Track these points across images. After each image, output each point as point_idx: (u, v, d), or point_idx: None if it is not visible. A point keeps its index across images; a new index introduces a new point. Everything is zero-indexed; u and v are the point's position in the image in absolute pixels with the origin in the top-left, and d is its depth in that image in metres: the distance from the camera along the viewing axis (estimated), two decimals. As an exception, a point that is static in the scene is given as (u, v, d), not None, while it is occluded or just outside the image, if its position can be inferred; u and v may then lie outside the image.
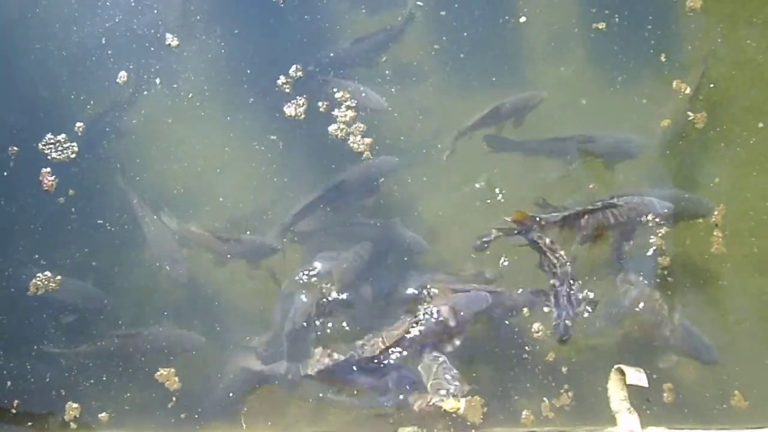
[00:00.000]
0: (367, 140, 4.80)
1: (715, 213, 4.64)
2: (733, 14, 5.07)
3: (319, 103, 4.88)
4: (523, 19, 5.07)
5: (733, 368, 4.44)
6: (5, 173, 4.75)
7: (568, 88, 4.98)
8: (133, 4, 5.06)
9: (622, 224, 4.54)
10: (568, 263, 4.39)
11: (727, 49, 5.00)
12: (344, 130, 4.83)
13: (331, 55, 5.01)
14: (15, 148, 4.77)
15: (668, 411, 4.32)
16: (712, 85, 4.92)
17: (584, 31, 5.08)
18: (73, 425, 4.39)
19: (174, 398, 4.43)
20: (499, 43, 5.08)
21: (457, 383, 4.16)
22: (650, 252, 4.58)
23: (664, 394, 4.34)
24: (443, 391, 4.09)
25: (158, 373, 4.44)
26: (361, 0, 5.17)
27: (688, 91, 4.90)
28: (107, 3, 5.05)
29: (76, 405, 4.41)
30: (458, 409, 4.09)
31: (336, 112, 4.85)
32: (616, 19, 5.04)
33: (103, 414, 4.41)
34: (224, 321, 4.59)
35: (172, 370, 4.44)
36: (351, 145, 4.79)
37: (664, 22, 5.05)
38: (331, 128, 4.83)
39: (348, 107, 4.86)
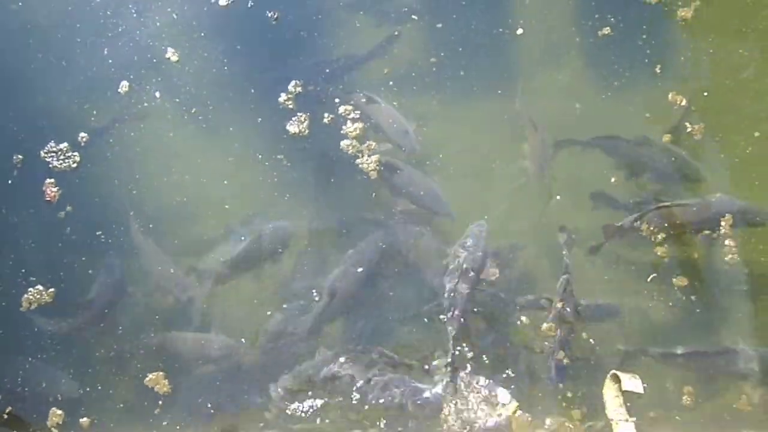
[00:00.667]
0: (375, 157, 4.82)
1: (722, 224, 4.59)
2: (723, 23, 5.12)
3: (326, 114, 4.91)
4: (520, 31, 5.14)
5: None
6: (9, 181, 4.78)
7: (564, 96, 5.02)
8: (134, 15, 5.16)
9: (698, 221, 4.58)
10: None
11: (720, 58, 5.03)
12: (355, 147, 4.84)
13: (327, 70, 5.07)
14: (20, 157, 4.81)
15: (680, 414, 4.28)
16: (705, 94, 4.94)
17: (580, 42, 5.15)
18: (54, 431, 4.34)
19: (160, 402, 4.41)
20: (497, 54, 5.13)
21: (501, 393, 4.21)
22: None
23: (684, 397, 4.28)
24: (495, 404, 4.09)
25: (147, 378, 4.42)
26: (355, 15, 5.27)
27: (684, 102, 4.92)
28: (108, 13, 5.15)
29: (60, 412, 4.36)
30: (516, 411, 4.08)
31: (344, 129, 4.88)
32: (611, 29, 5.10)
33: (84, 419, 4.37)
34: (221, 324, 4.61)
35: (161, 374, 4.43)
36: (361, 166, 4.81)
37: (658, 33, 5.10)
38: (343, 143, 4.86)
39: (353, 120, 4.89)
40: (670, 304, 4.49)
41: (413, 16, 5.21)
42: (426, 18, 5.19)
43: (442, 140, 4.96)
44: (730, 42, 5.06)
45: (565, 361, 4.31)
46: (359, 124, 4.88)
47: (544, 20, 5.18)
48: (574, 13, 5.21)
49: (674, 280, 4.51)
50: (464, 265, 4.41)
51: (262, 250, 4.70)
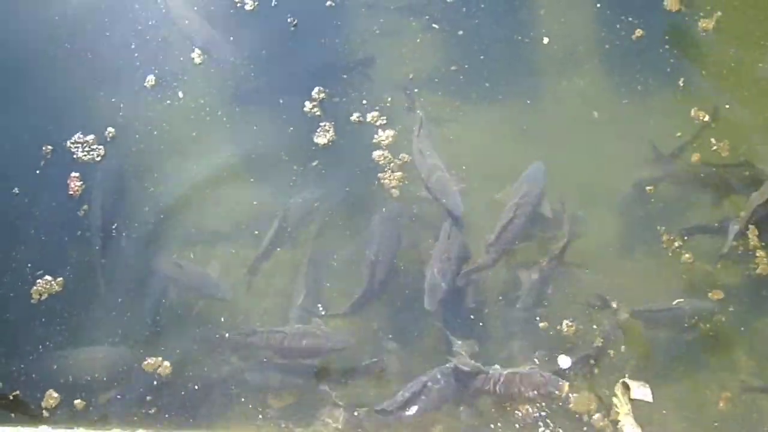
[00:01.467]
0: (398, 174, 4.80)
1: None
2: (745, 35, 5.13)
3: (354, 115, 4.93)
4: (546, 41, 5.19)
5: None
6: (37, 171, 4.82)
7: (580, 101, 5.04)
8: (163, 11, 5.26)
9: None
10: None
11: (742, 70, 5.02)
12: (387, 158, 4.83)
13: (344, 76, 5.12)
14: (49, 147, 4.85)
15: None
16: (727, 106, 4.91)
17: (601, 52, 5.18)
18: (45, 414, 4.28)
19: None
20: (520, 62, 5.19)
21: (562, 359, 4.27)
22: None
23: (720, 403, 4.21)
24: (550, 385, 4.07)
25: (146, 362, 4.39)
26: (374, 21, 5.33)
27: (706, 118, 4.87)
28: (136, 6, 5.28)
29: (56, 394, 4.32)
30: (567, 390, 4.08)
31: (376, 138, 4.88)
32: (643, 31, 5.14)
33: (78, 401, 4.31)
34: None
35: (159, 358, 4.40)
36: (383, 181, 4.77)
37: (680, 44, 5.12)
38: (375, 154, 4.86)
39: (383, 127, 4.90)
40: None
41: (434, 25, 5.27)
42: (446, 28, 5.24)
43: (466, 148, 4.94)
44: (750, 54, 5.06)
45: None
46: (390, 131, 4.89)
47: (564, 29, 5.23)
48: (595, 22, 5.24)
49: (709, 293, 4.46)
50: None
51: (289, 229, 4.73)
